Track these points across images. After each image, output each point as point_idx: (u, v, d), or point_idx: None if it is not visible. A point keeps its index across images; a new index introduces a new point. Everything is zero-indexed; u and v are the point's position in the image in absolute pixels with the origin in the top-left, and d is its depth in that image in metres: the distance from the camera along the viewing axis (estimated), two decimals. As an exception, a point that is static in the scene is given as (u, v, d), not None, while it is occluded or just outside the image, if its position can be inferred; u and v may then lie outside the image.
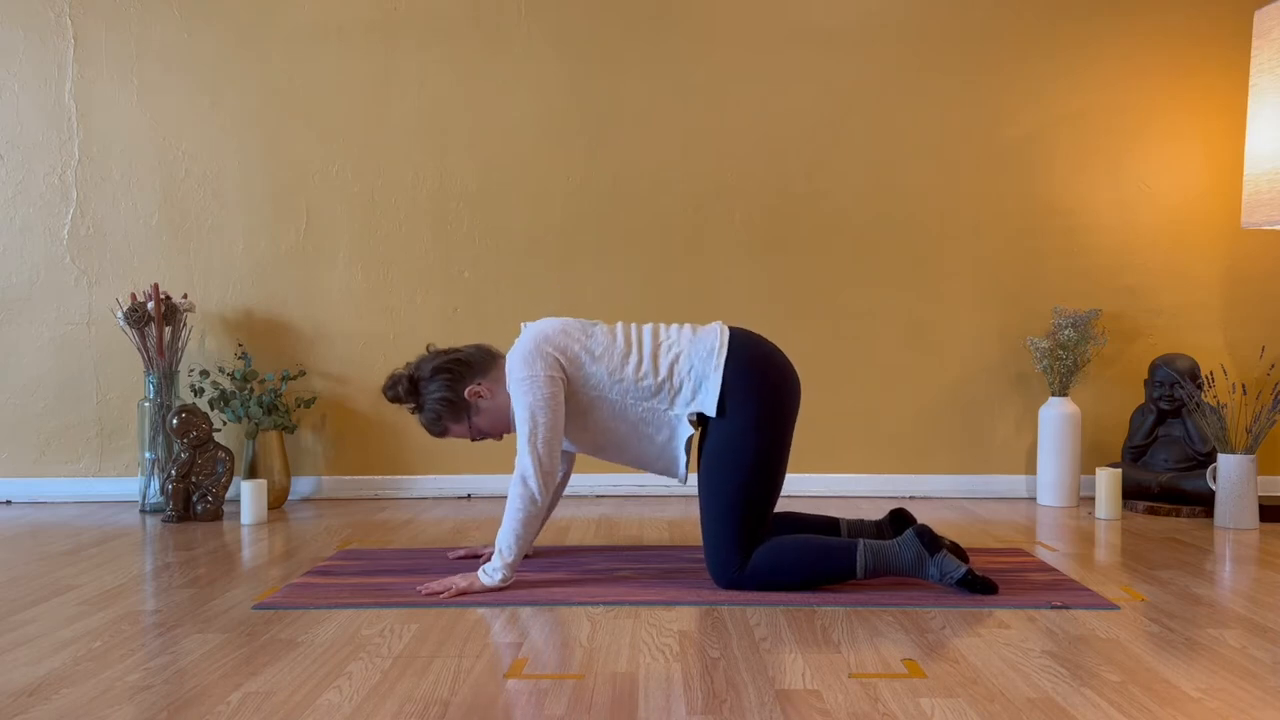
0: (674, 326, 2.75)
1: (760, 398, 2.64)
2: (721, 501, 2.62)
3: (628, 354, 2.68)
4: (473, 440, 2.84)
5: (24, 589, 2.74)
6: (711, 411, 2.63)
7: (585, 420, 2.70)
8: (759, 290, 4.11)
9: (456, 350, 2.82)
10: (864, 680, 2.00)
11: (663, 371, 2.66)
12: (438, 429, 2.81)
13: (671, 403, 2.66)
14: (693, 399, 2.64)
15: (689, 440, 2.67)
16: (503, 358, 2.79)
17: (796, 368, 2.79)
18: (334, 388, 4.14)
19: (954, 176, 4.12)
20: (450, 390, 2.75)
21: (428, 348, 2.87)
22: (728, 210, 4.12)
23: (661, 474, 2.77)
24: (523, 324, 2.80)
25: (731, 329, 2.72)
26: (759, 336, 2.77)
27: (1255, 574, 2.89)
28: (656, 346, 2.69)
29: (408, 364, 2.84)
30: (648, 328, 2.74)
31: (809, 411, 4.04)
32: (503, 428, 2.82)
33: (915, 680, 2.00)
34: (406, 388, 2.79)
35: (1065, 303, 4.06)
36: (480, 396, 2.76)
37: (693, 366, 2.65)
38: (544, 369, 2.63)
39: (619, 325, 2.75)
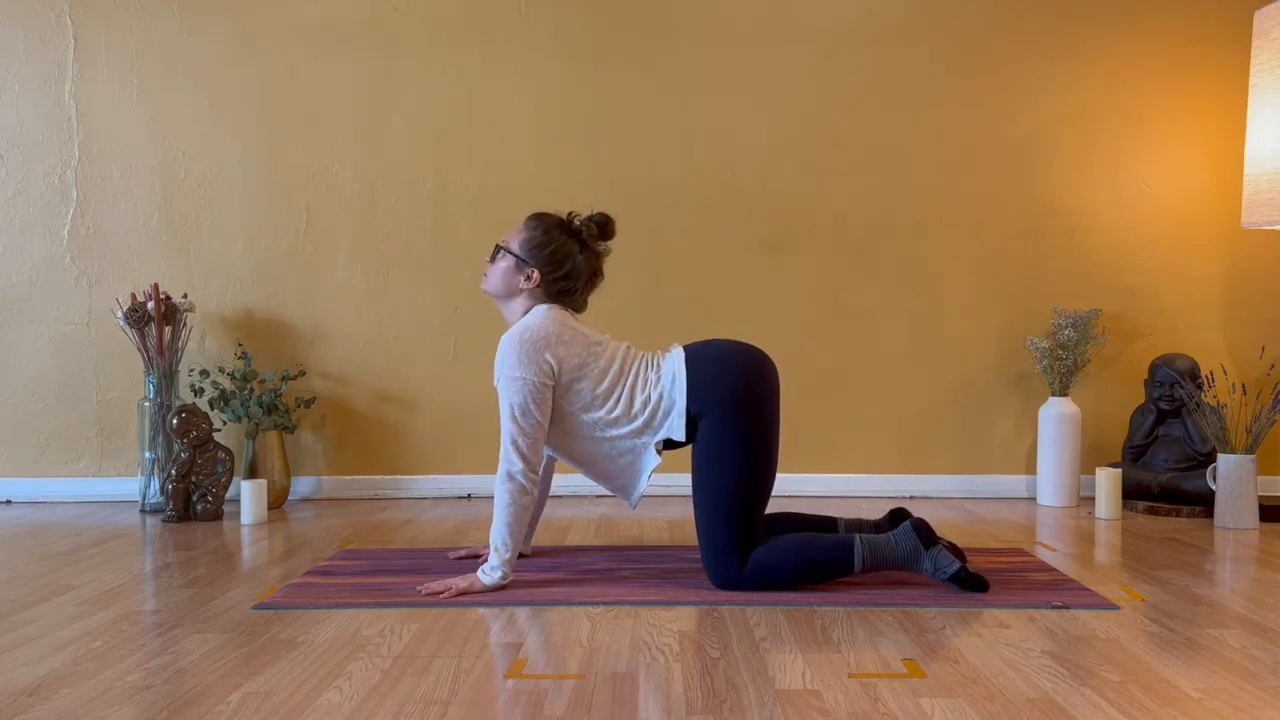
0: (643, 357, 2.76)
1: (733, 398, 2.65)
2: (715, 504, 2.63)
3: (616, 383, 2.70)
4: (497, 245, 2.80)
5: (24, 589, 2.74)
6: (679, 436, 2.66)
7: (558, 427, 2.72)
8: (759, 290, 4.11)
9: (579, 285, 2.78)
10: (864, 680, 2.00)
11: (635, 406, 2.68)
12: (526, 224, 2.79)
13: (640, 433, 2.69)
14: (660, 429, 2.67)
15: (652, 470, 2.70)
16: (547, 302, 2.77)
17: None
18: (334, 388, 4.14)
19: (954, 176, 4.12)
20: (544, 256, 2.73)
21: (599, 276, 2.84)
22: (728, 210, 4.12)
23: (615, 494, 2.81)
24: (540, 305, 2.77)
25: (686, 346, 2.74)
26: (715, 341, 2.79)
27: (1255, 574, 2.89)
28: (635, 379, 2.71)
29: (605, 248, 2.83)
30: (636, 362, 2.74)
31: (810, 411, 4.06)
32: (493, 286, 2.80)
33: (915, 680, 2.00)
34: (586, 226, 2.78)
35: (1065, 303, 4.06)
36: (528, 279, 2.75)
37: (662, 395, 2.68)
38: (537, 375, 2.63)
39: (621, 351, 2.75)
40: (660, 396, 2.68)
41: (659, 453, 2.69)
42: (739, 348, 2.76)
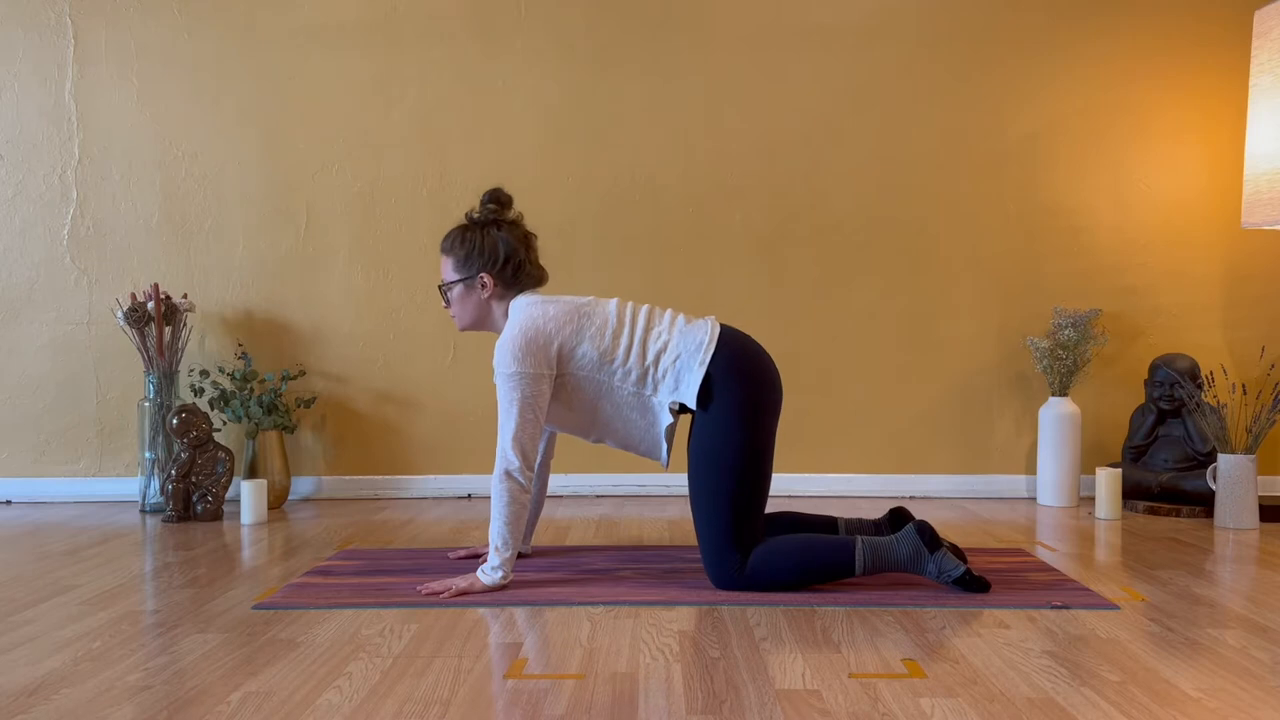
0: (668, 313, 2.76)
1: (744, 394, 2.64)
2: (712, 500, 2.62)
3: (619, 334, 2.68)
4: (439, 288, 2.81)
5: (24, 589, 2.74)
6: (692, 403, 2.63)
7: (572, 399, 2.70)
8: (759, 290, 4.11)
9: (523, 256, 2.76)
10: (864, 680, 2.00)
11: (649, 357, 2.66)
12: (446, 245, 2.78)
13: (655, 389, 2.66)
14: (675, 389, 2.65)
15: (670, 429, 2.68)
16: (520, 293, 2.77)
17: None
18: (334, 388, 4.14)
19: (954, 176, 4.12)
20: (480, 258, 2.74)
21: (534, 241, 2.82)
22: (728, 210, 4.12)
23: (645, 456, 2.77)
24: (515, 299, 2.78)
25: (721, 325, 2.73)
26: (746, 335, 2.77)
27: (1255, 574, 2.89)
28: (647, 331, 2.69)
29: (515, 213, 2.82)
30: (644, 310, 2.74)
31: (810, 411, 4.07)
32: (464, 319, 2.80)
33: (915, 680, 2.00)
34: (487, 211, 2.78)
35: (1065, 303, 4.06)
36: (484, 288, 2.76)
37: (679, 357, 2.66)
38: (532, 366, 2.62)
39: (614, 303, 2.74)
40: (678, 356, 2.65)
41: (673, 414, 2.67)
42: (765, 355, 2.75)
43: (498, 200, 2.80)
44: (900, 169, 4.11)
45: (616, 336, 2.68)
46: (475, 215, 2.81)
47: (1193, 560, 3.04)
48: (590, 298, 2.77)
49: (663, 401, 2.66)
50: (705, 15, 4.10)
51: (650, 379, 2.66)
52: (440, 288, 2.82)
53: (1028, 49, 4.09)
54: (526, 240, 2.81)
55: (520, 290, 2.78)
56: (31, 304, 4.11)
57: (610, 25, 4.10)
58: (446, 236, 2.81)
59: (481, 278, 2.75)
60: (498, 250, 2.75)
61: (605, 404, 2.69)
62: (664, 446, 2.70)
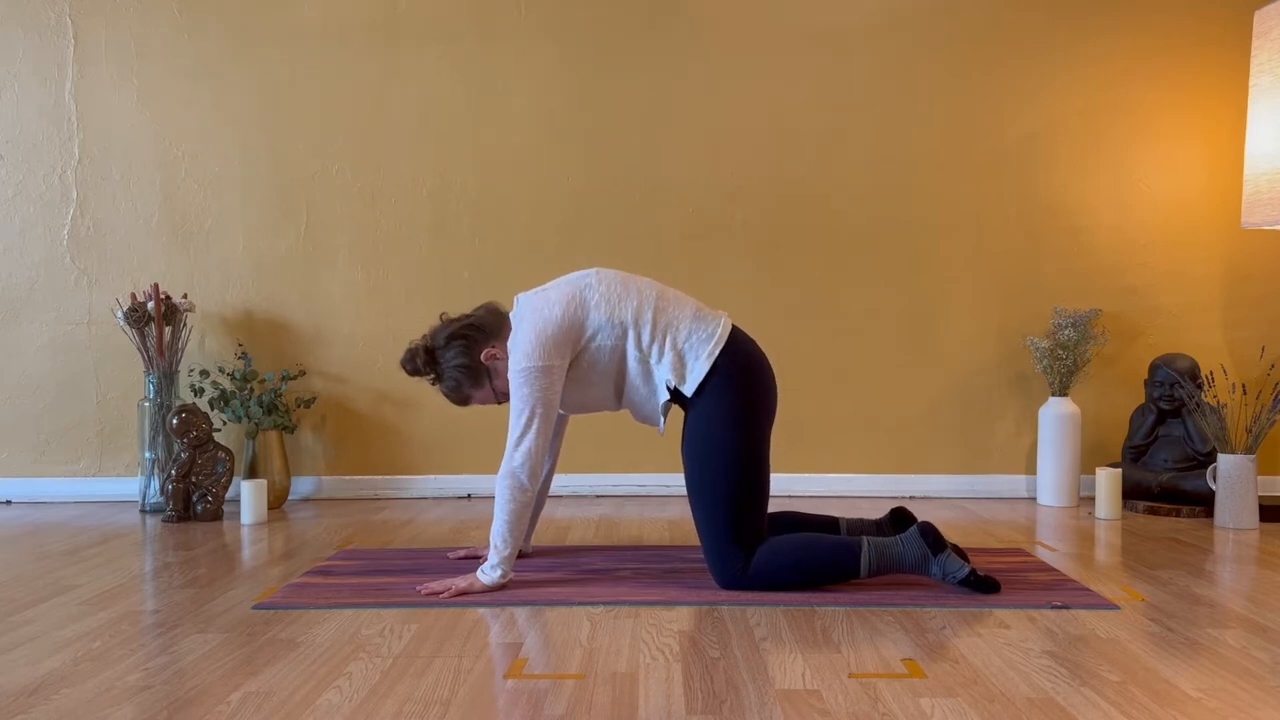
0: (683, 294, 2.76)
1: (742, 394, 2.64)
2: (710, 499, 2.62)
3: (625, 297, 2.68)
4: (498, 403, 2.82)
5: (24, 589, 2.74)
6: (689, 392, 2.63)
7: (591, 374, 2.68)
8: (760, 290, 4.11)
9: (467, 316, 2.80)
10: (864, 680, 2.00)
11: (660, 327, 2.66)
12: (459, 397, 2.80)
13: (660, 359, 2.66)
14: (674, 370, 2.65)
15: (665, 404, 2.68)
16: (505, 317, 2.78)
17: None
18: (334, 388, 4.14)
19: (954, 176, 4.12)
20: (467, 356, 2.74)
21: (441, 316, 2.85)
22: (728, 211, 4.12)
23: (643, 422, 2.78)
24: (517, 297, 2.77)
25: (733, 325, 2.74)
26: (753, 340, 2.78)
27: (1255, 574, 2.89)
28: (660, 301, 2.69)
29: (423, 335, 2.83)
30: (653, 282, 2.74)
31: (810, 411, 4.07)
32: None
33: (915, 680, 2.00)
34: (424, 359, 2.78)
35: (1065, 303, 4.06)
36: (496, 359, 2.75)
37: (689, 338, 2.66)
38: (543, 359, 2.61)
39: (605, 274, 2.73)
40: (688, 338, 2.65)
41: (668, 392, 2.67)
42: (767, 363, 2.75)
43: (411, 358, 2.80)
44: (900, 169, 4.11)
45: (623, 299, 2.68)
46: (428, 376, 2.80)
47: (1193, 560, 3.04)
48: (592, 268, 2.76)
49: (663, 375, 2.66)
50: (705, 15, 4.10)
51: (657, 348, 2.66)
52: (497, 403, 2.82)
53: (1028, 49, 4.09)
54: (446, 322, 2.80)
55: (503, 320, 2.78)
56: (31, 304, 4.11)
57: (610, 25, 4.10)
58: (447, 394, 2.80)
59: (486, 357, 2.74)
60: (462, 349, 2.74)
61: (620, 361, 2.68)
62: (661, 419, 2.73)
